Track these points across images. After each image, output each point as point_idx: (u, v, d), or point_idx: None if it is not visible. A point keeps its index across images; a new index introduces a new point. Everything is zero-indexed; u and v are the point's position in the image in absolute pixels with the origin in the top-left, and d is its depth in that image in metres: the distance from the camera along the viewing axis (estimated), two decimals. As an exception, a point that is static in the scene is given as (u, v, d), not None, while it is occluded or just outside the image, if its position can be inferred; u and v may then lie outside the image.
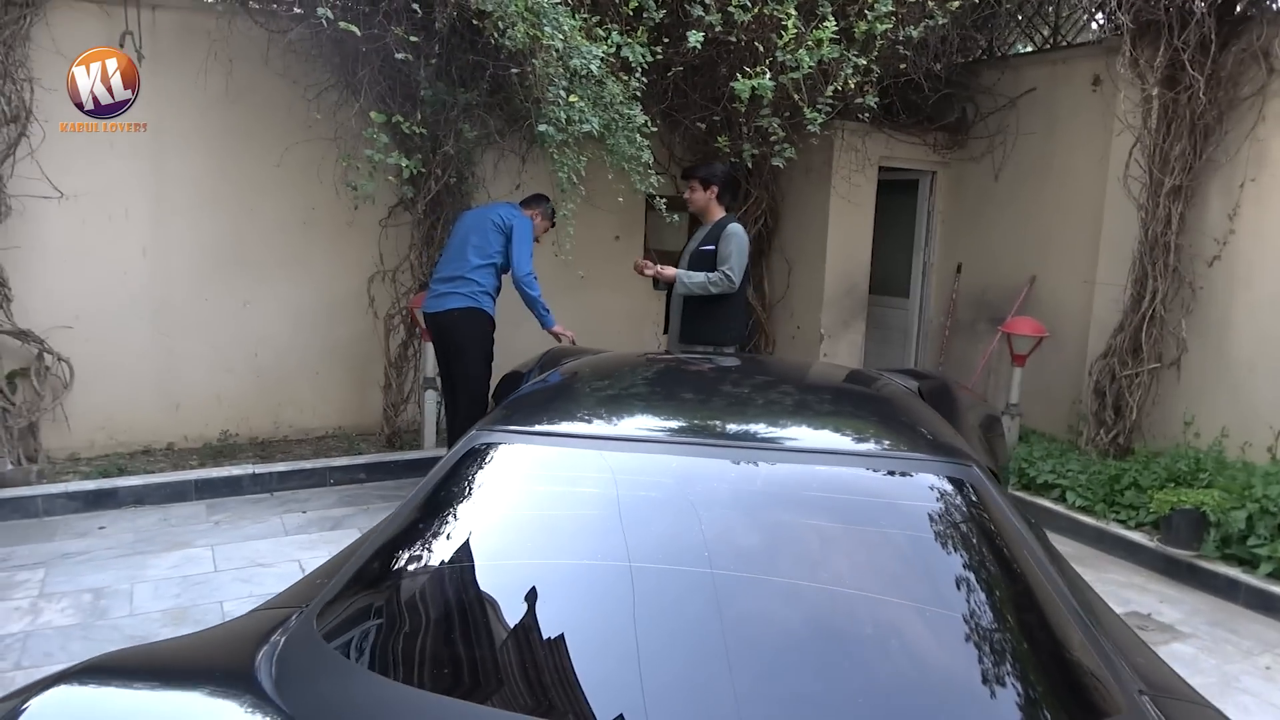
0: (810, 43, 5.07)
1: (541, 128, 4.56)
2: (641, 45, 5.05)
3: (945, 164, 6.89)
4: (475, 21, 4.38)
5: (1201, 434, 5.11)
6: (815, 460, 1.94)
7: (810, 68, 5.16)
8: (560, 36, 4.51)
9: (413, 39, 4.61)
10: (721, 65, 5.50)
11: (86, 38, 5.04)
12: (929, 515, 1.87)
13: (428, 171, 5.40)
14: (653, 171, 5.01)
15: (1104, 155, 5.65)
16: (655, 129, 5.40)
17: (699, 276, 4.68)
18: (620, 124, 4.93)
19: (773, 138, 5.38)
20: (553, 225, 5.34)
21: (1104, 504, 4.78)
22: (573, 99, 4.66)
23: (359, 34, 4.56)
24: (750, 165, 5.59)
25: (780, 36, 5.09)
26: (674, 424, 2.15)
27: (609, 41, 4.90)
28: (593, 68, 4.67)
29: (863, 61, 5.28)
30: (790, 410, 2.32)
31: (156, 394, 5.61)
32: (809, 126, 5.26)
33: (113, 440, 5.51)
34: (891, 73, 5.73)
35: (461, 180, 5.73)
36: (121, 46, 5.13)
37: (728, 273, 4.75)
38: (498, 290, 5.09)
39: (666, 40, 5.27)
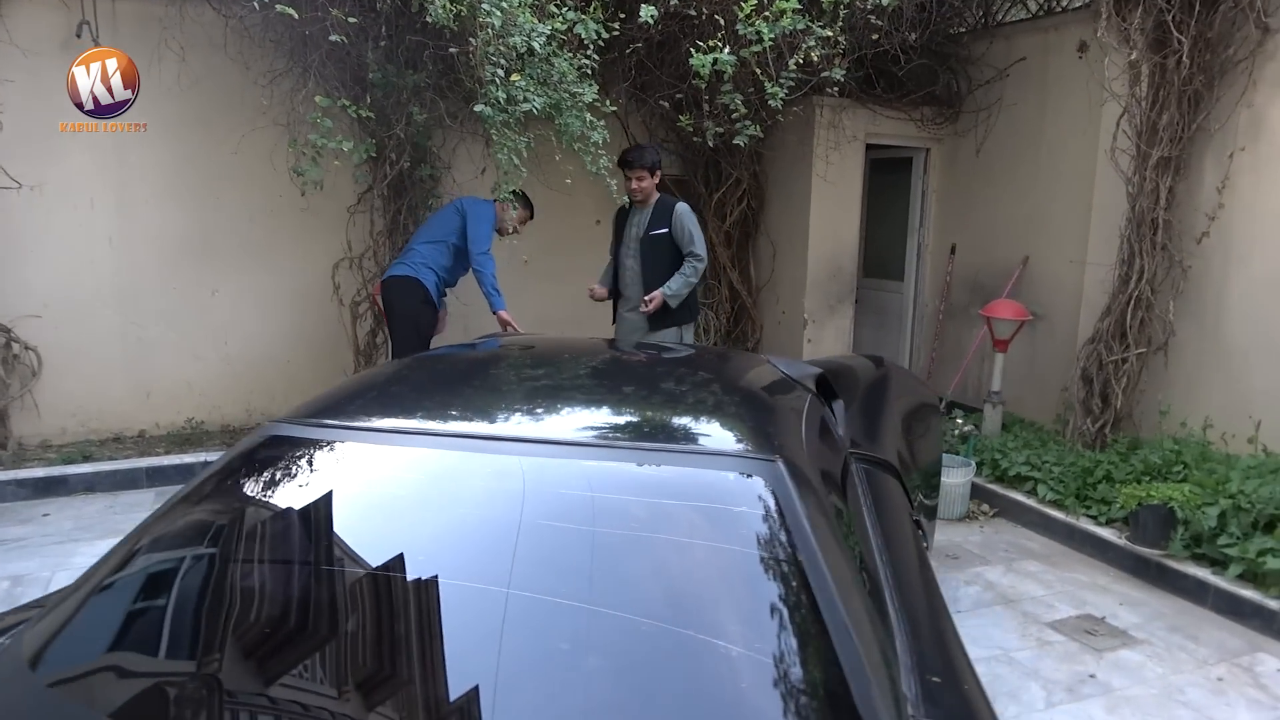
0: (769, 14, 4.85)
1: (478, 108, 4.44)
2: (596, 21, 4.89)
3: (939, 140, 6.58)
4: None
5: (1189, 424, 4.78)
6: (597, 456, 1.78)
7: (770, 40, 4.94)
8: (498, 13, 4.36)
9: (351, 19, 4.52)
10: (685, 41, 5.30)
11: (44, 30, 5.08)
12: (704, 517, 1.69)
13: (381, 156, 5.32)
14: (604, 153, 4.84)
15: (1094, 127, 5.30)
16: (614, 108, 5.24)
17: (677, 282, 4.78)
18: (569, 103, 4.78)
19: (734, 115, 5.17)
20: (530, 217, 5.33)
21: (1075, 498, 4.49)
22: (514, 78, 4.52)
23: (296, 17, 4.49)
24: (711, 144, 5.36)
25: (741, 9, 4.87)
26: (477, 418, 2.00)
27: (562, 18, 4.75)
28: (535, 45, 4.53)
29: (828, 33, 5.04)
30: (615, 403, 2.15)
31: (127, 382, 5.66)
32: (770, 102, 5.03)
33: (84, 427, 5.57)
34: (864, 44, 5.46)
35: (416, 165, 5.64)
36: (79, 36, 5.15)
37: (698, 255, 4.82)
38: (446, 270, 5.06)
39: (624, 16, 5.11)
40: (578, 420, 1.99)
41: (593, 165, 4.87)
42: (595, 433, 1.91)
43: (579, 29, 4.84)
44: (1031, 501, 4.66)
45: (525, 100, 4.48)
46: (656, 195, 4.99)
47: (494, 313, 4.96)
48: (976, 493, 4.98)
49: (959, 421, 5.24)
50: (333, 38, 4.49)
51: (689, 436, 1.91)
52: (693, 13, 5.11)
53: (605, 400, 2.15)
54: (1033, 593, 3.92)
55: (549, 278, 6.32)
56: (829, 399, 3.03)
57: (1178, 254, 4.86)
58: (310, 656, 1.51)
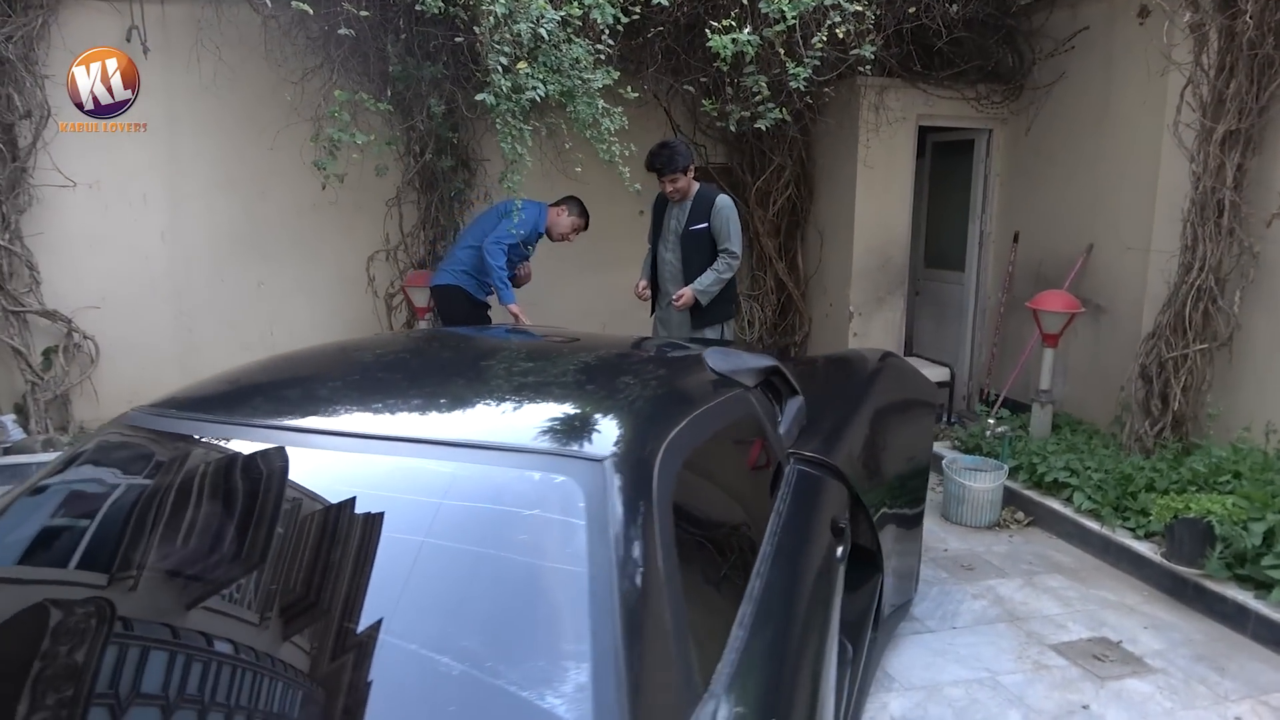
0: (783, -8, 4.61)
1: (480, 96, 4.39)
2: (614, 5, 4.77)
3: (1002, 121, 6.14)
4: None
5: (1254, 428, 4.27)
6: (400, 451, 1.68)
7: (794, 18, 4.71)
8: (502, 1, 4.31)
9: (363, 13, 4.55)
10: (709, 22, 5.11)
11: (95, 35, 5.34)
12: (489, 519, 1.57)
13: (408, 150, 5.37)
14: (615, 140, 4.72)
15: (1159, 101, 4.82)
16: (637, 95, 5.10)
17: (708, 278, 4.74)
18: (581, 89, 4.68)
19: (757, 97, 4.95)
20: (585, 227, 5.27)
21: (1111, 508, 4.09)
22: (521, 66, 4.46)
23: (310, 12, 4.56)
24: (734, 129, 5.16)
25: (765, -14, 4.66)
26: (313, 412, 1.90)
27: (578, 3, 4.65)
28: (542, 31, 4.45)
29: (856, 7, 4.76)
30: (478, 397, 2.03)
31: (179, 370, 5.90)
32: (792, 84, 4.79)
33: (140, 413, 5.86)
34: (902, 18, 5.13)
35: (438, 157, 5.65)
36: (128, 41, 5.40)
37: (732, 251, 4.77)
38: (482, 273, 5.05)
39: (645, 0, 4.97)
40: (417, 415, 1.90)
41: (605, 154, 4.76)
42: (422, 427, 1.81)
43: (595, 14, 4.73)
44: (1068, 510, 4.28)
45: (532, 88, 4.41)
46: (697, 186, 4.90)
47: (504, 305, 4.93)
48: (1012, 499, 4.62)
49: (991, 422, 4.87)
50: (342, 31, 4.53)
51: (520, 434, 1.78)
52: (715, -8, 4.92)
53: (468, 395, 2.05)
54: (1046, 610, 3.58)
55: (590, 268, 6.25)
56: (782, 396, 2.84)
57: (1246, 239, 4.35)
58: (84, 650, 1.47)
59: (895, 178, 6.05)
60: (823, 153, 6.41)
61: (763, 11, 4.76)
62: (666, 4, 4.72)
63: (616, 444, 1.74)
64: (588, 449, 1.68)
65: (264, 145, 5.65)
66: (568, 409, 1.95)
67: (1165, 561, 3.70)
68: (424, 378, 2.18)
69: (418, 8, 4.23)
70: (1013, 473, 4.68)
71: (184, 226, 5.76)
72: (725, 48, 4.73)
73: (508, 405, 1.96)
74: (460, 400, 1.99)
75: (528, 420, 1.87)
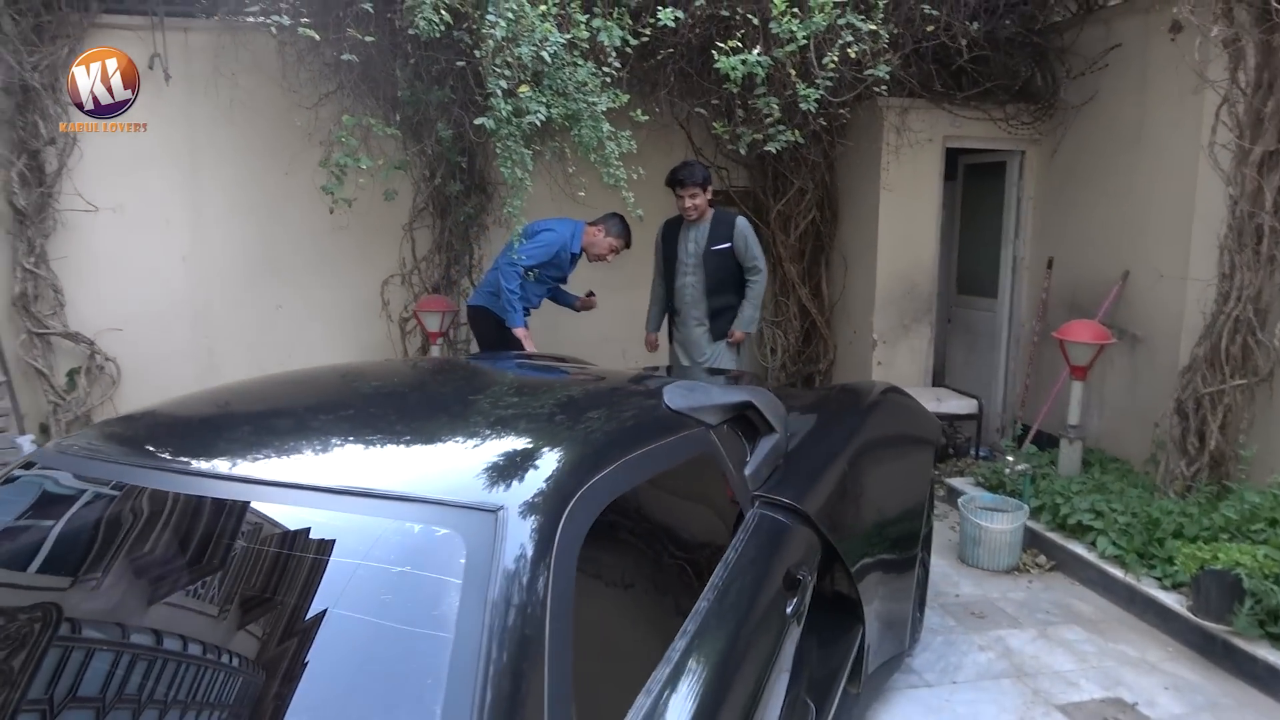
0: (794, 11, 4.48)
1: (479, 121, 4.34)
2: (622, 28, 4.70)
3: (1035, 142, 5.89)
4: (388, 15, 4.23)
5: (1296, 471, 3.96)
6: (272, 498, 1.57)
7: (804, 39, 4.57)
8: (502, 24, 4.26)
9: (368, 38, 4.54)
10: (715, 43, 5.01)
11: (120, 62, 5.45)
12: (355, 575, 1.45)
13: (418, 174, 5.35)
14: (620, 165, 4.63)
15: (1195, 120, 4.55)
16: (647, 118, 5.00)
17: (749, 308, 4.91)
18: (587, 112, 4.60)
19: (768, 119, 4.81)
20: (626, 246, 5.11)
21: (1137, 555, 3.81)
22: (523, 89, 4.39)
23: (317, 38, 4.57)
24: (743, 152, 5.03)
25: (775, 5, 4.53)
26: (212, 455, 1.78)
27: (585, 26, 4.58)
28: (544, 54, 4.38)
29: (870, 26, 4.60)
30: (386, 437, 1.90)
31: (197, 392, 5.96)
32: (802, 105, 4.65)
33: (160, 434, 5.91)
34: (921, 37, 4.95)
35: (448, 181, 5.62)
36: (150, 68, 5.49)
37: (760, 268, 4.90)
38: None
39: (655, 20, 4.88)
40: (311, 456, 1.77)
41: (609, 178, 4.67)
42: (307, 471, 1.69)
43: (602, 36, 4.66)
44: (1091, 556, 4.01)
45: (532, 111, 4.34)
46: (711, 210, 4.97)
47: (511, 328, 4.83)
48: (1035, 541, 4.36)
49: (1010, 459, 4.61)
50: (345, 57, 4.53)
51: (410, 480, 1.65)
52: (725, 13, 4.80)
53: (376, 434, 1.92)
54: (1058, 666, 3.33)
55: (610, 290, 6.14)
56: (754, 433, 2.68)
57: (1288, 267, 4.07)
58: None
59: (921, 201, 5.85)
60: (846, 176, 6.23)
61: (773, 32, 4.64)
62: (673, 25, 4.62)
63: (520, 492, 1.62)
64: (483, 497, 1.56)
65: (281, 170, 5.68)
66: (480, 451, 1.82)
67: (1192, 616, 3.42)
68: (342, 415, 2.08)
69: (410, 31, 4.18)
70: (1036, 513, 4.42)
71: (205, 250, 5.82)
72: (735, 69, 4.61)
73: (414, 445, 1.85)
74: (367, 439, 1.87)
75: (428, 463, 1.76)
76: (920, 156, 5.76)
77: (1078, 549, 4.09)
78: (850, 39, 4.58)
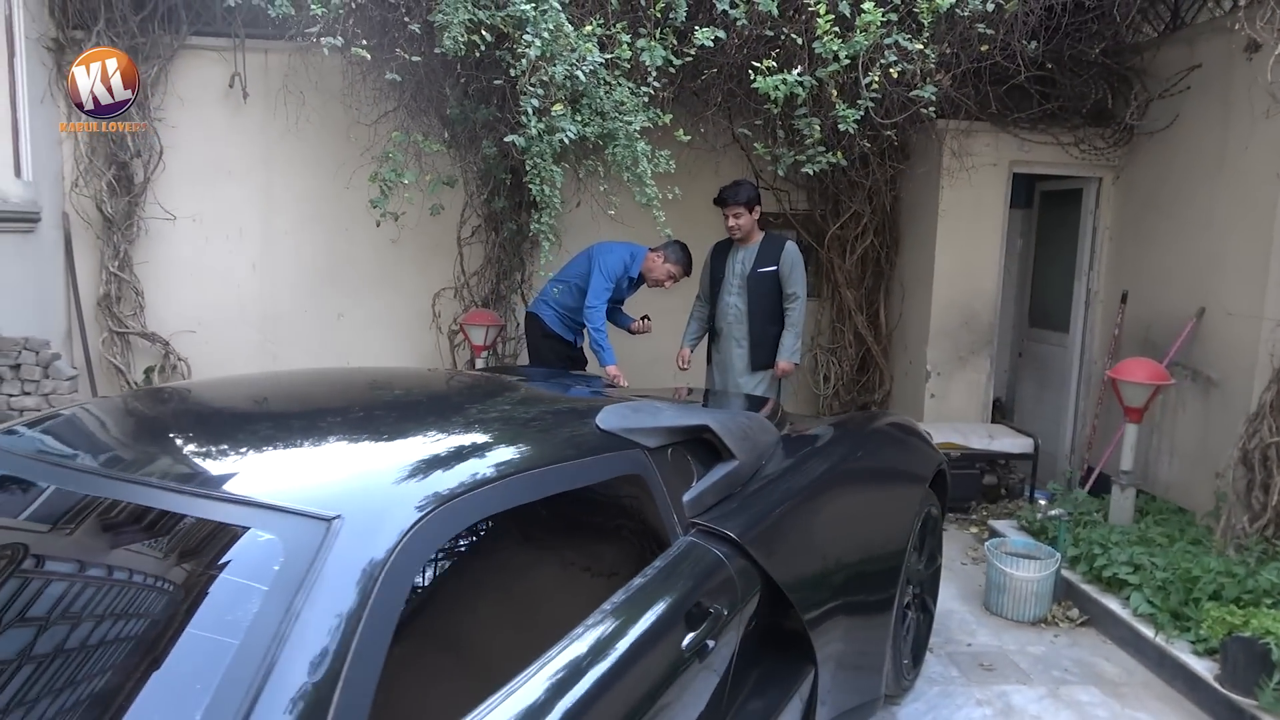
0: (835, 30, 4.37)
1: (509, 139, 4.41)
2: (665, 47, 4.69)
3: (1113, 168, 5.55)
4: (414, 27, 4.34)
5: (1367, 536, 3.55)
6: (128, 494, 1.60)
7: (847, 59, 4.45)
8: (537, 43, 4.32)
9: (415, 58, 4.68)
10: (751, 63, 4.94)
11: (203, 81, 5.82)
12: (169, 578, 1.46)
13: (468, 190, 5.48)
14: (650, 184, 4.60)
15: (1274, 146, 4.19)
16: (689, 137, 4.98)
17: (790, 338, 4.83)
18: (622, 132, 4.61)
19: (808, 141, 4.70)
20: (685, 273, 5.08)
21: (1170, 615, 3.48)
22: (556, 108, 4.44)
23: (369, 58, 4.74)
24: (782, 173, 4.93)
25: (820, 24, 4.44)
26: (109, 456, 1.84)
27: (627, 45, 4.61)
28: (580, 74, 4.42)
29: (917, 46, 4.44)
30: (274, 441, 1.91)
31: (262, 394, 6.24)
32: (840, 126, 4.52)
33: (226, 433, 6.22)
34: (977, 57, 4.74)
35: (494, 196, 5.71)
36: (231, 87, 5.83)
37: (798, 295, 4.79)
38: (567, 310, 5.03)
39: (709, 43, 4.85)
40: (169, 461, 1.80)
41: (640, 195, 4.66)
42: (163, 473, 1.71)
43: (644, 56, 4.67)
44: (1124, 613, 3.69)
45: (561, 130, 4.37)
46: (761, 232, 4.93)
47: (602, 367, 4.87)
48: (1071, 593, 4.05)
49: (1043, 503, 4.31)
50: (389, 77, 4.68)
51: (253, 482, 1.65)
52: (769, 32, 4.73)
53: (256, 439, 1.93)
54: (1062, 730, 3.08)
55: (663, 310, 6.12)
56: (707, 459, 2.59)
57: (1367, 309, 3.67)
58: None
59: (983, 227, 5.58)
60: (907, 200, 6.02)
61: (816, 52, 4.54)
62: (711, 45, 4.58)
63: (367, 503, 1.61)
64: (322, 505, 1.55)
65: (343, 185, 5.91)
66: (350, 460, 1.82)
67: (1219, 686, 3.10)
68: (235, 419, 2.12)
69: (436, 50, 4.29)
70: (1073, 563, 4.12)
71: (273, 259, 6.11)
72: (776, 89, 4.54)
73: (286, 450, 1.85)
74: (242, 443, 1.89)
75: (289, 469, 1.76)
76: (983, 181, 5.51)
77: (1111, 604, 3.78)
78: (894, 59, 4.43)
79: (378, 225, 5.23)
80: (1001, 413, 6.73)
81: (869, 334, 6.17)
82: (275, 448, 1.87)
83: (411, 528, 1.57)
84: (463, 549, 1.84)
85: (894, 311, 6.21)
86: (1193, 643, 3.37)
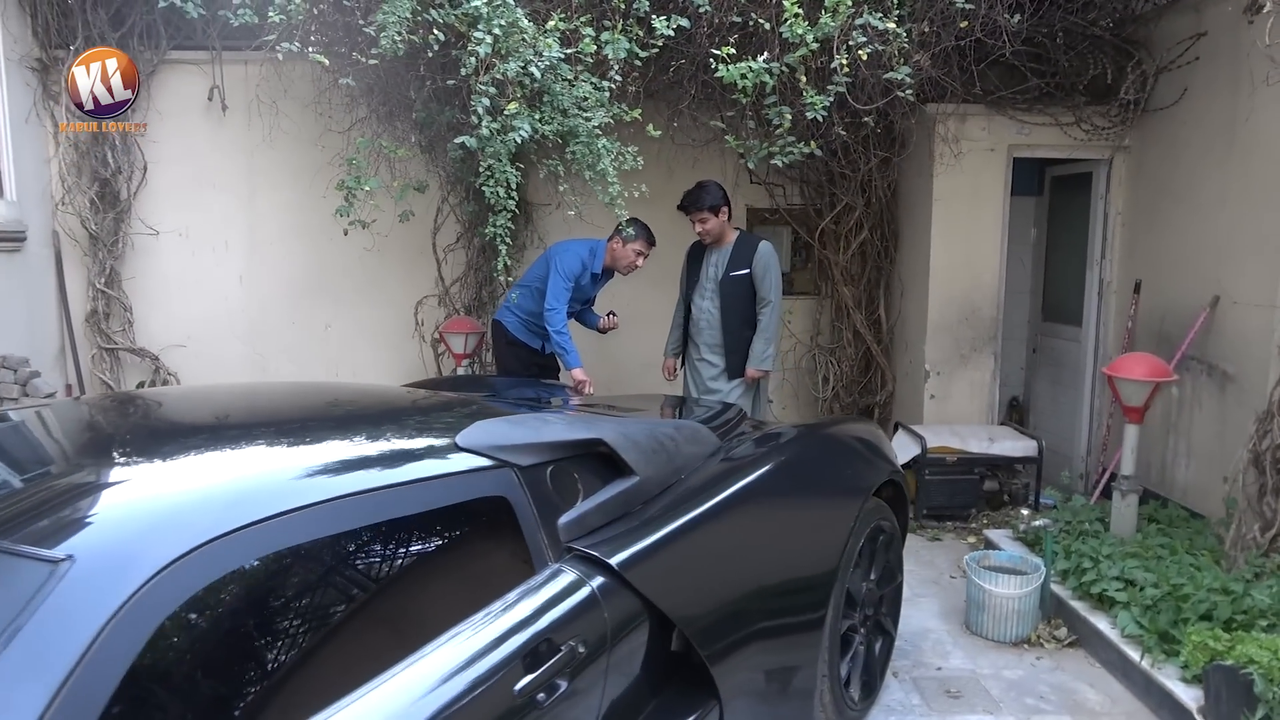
0: (799, 12, 4.11)
1: (458, 140, 4.25)
2: (629, 40, 4.50)
3: (1124, 149, 5.18)
4: (370, 30, 4.20)
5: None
6: None
7: (815, 43, 4.20)
8: (488, 40, 4.16)
9: (370, 61, 4.55)
10: (710, 51, 4.71)
11: (182, 95, 5.80)
12: None
13: (438, 195, 5.36)
14: (614, 182, 4.41)
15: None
16: (659, 132, 4.76)
17: (760, 344, 4.60)
18: (583, 129, 4.43)
19: (778, 130, 4.46)
20: (650, 244, 4.78)
21: (1157, 637, 3.16)
22: (511, 106, 4.28)
23: (326, 64, 4.64)
24: (751, 166, 4.69)
25: (788, 7, 4.19)
26: None
27: (591, 40, 4.43)
28: (534, 70, 4.25)
29: (890, 24, 4.16)
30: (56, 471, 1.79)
31: (252, 407, 6.21)
32: (808, 114, 4.26)
33: (218, 447, 6.20)
34: (960, 35, 4.43)
35: (465, 201, 5.58)
36: (210, 100, 5.81)
37: (770, 300, 4.57)
38: (529, 314, 4.88)
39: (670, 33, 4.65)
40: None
41: (604, 195, 4.46)
42: None
43: (608, 50, 4.47)
44: (1113, 633, 3.37)
45: (515, 129, 4.21)
46: (736, 233, 4.74)
47: (567, 370, 4.70)
48: (1061, 611, 3.73)
49: (1025, 513, 3.98)
50: (343, 81, 4.57)
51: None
52: (736, 18, 4.49)
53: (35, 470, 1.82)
54: (1023, 766, 2.79)
55: (653, 318, 5.93)
56: (607, 475, 2.38)
57: (1382, 293, 3.29)
58: None
59: (982, 216, 5.26)
60: (904, 191, 5.72)
61: (784, 37, 4.29)
62: (672, 34, 4.36)
63: (112, 541, 1.45)
64: (54, 545, 1.40)
65: (320, 195, 5.83)
66: (121, 488, 1.66)
67: (1201, 719, 2.78)
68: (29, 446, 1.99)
69: (372, 51, 4.16)
70: (1064, 577, 3.79)
71: (260, 271, 6.06)
72: (744, 76, 4.30)
73: (56, 480, 1.71)
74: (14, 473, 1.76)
75: (37, 500, 1.60)
76: (979, 167, 5.19)
77: (1100, 624, 3.45)
78: (864, 39, 4.17)
79: (345, 234, 5.12)
80: (1020, 413, 6.37)
81: (868, 333, 5.88)
82: (46, 476, 1.73)
83: (162, 570, 1.41)
84: (312, 571, 1.69)
85: (895, 309, 5.91)
86: (1181, 668, 3.04)
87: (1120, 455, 4.72)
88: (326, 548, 1.72)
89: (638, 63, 4.61)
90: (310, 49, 4.55)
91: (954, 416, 5.36)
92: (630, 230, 4.65)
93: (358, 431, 2.16)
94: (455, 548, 2.02)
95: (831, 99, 4.26)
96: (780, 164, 4.52)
